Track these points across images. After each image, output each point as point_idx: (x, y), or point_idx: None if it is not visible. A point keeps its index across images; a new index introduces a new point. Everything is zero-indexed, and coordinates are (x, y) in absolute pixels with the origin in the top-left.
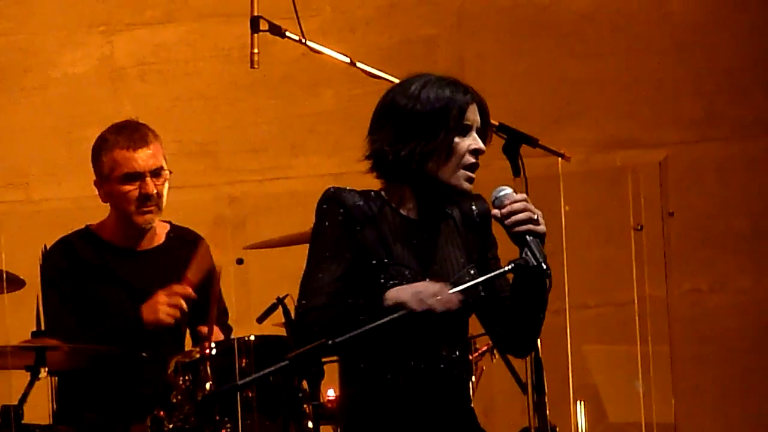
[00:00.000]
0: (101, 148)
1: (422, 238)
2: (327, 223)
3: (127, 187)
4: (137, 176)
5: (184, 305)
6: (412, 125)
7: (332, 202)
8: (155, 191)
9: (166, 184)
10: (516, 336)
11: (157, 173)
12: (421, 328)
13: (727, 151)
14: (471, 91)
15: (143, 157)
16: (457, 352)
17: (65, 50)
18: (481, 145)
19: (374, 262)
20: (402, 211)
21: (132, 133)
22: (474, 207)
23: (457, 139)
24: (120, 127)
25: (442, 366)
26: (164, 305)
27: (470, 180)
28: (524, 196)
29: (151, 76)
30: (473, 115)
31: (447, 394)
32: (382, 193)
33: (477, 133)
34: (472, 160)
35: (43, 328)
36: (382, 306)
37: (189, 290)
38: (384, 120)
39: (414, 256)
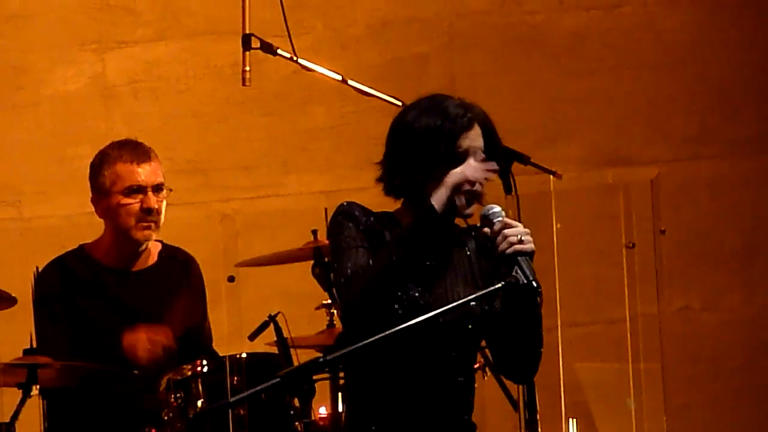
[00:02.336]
0: (102, 161)
1: (430, 267)
2: (345, 226)
3: (129, 201)
4: (140, 190)
5: (161, 353)
6: (405, 156)
7: (347, 214)
8: (156, 206)
9: (164, 203)
10: (513, 358)
11: (158, 189)
12: (425, 352)
13: (719, 169)
14: (474, 115)
15: (146, 172)
16: (462, 378)
17: (57, 68)
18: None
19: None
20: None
21: (135, 148)
22: None
23: (450, 168)
24: (122, 143)
25: (445, 391)
26: (144, 344)
27: (470, 202)
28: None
29: (143, 93)
30: (470, 141)
31: (450, 416)
32: (394, 214)
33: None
34: (467, 188)
35: (35, 345)
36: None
37: (171, 343)
38: (387, 146)
39: (421, 283)
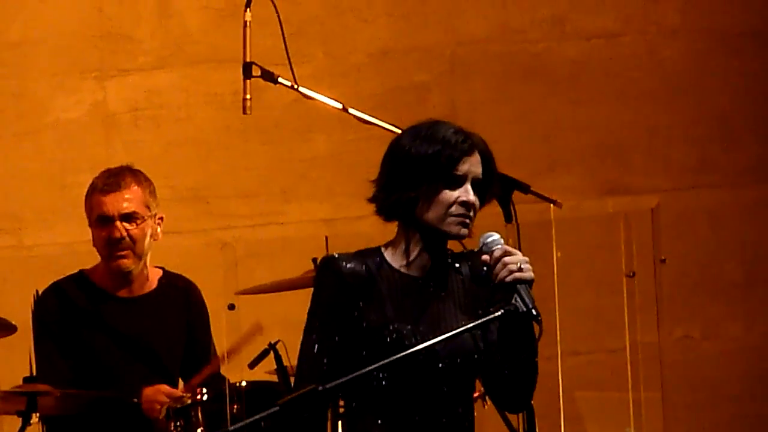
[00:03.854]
0: (87, 193)
1: (423, 297)
2: (323, 294)
3: (99, 231)
4: (107, 219)
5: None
6: (402, 172)
7: (328, 271)
8: (124, 235)
9: (149, 230)
10: (508, 387)
11: (128, 217)
12: (421, 382)
13: (719, 198)
14: (474, 141)
15: (112, 201)
16: (461, 409)
17: (58, 95)
18: (470, 197)
19: (374, 325)
20: (402, 269)
21: (108, 177)
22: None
23: (445, 190)
24: (106, 171)
25: (444, 421)
26: (164, 401)
27: (463, 224)
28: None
29: (144, 121)
30: (469, 166)
31: None
32: (381, 249)
33: (475, 184)
34: (461, 210)
35: (35, 373)
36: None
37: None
38: (383, 164)
39: (413, 315)
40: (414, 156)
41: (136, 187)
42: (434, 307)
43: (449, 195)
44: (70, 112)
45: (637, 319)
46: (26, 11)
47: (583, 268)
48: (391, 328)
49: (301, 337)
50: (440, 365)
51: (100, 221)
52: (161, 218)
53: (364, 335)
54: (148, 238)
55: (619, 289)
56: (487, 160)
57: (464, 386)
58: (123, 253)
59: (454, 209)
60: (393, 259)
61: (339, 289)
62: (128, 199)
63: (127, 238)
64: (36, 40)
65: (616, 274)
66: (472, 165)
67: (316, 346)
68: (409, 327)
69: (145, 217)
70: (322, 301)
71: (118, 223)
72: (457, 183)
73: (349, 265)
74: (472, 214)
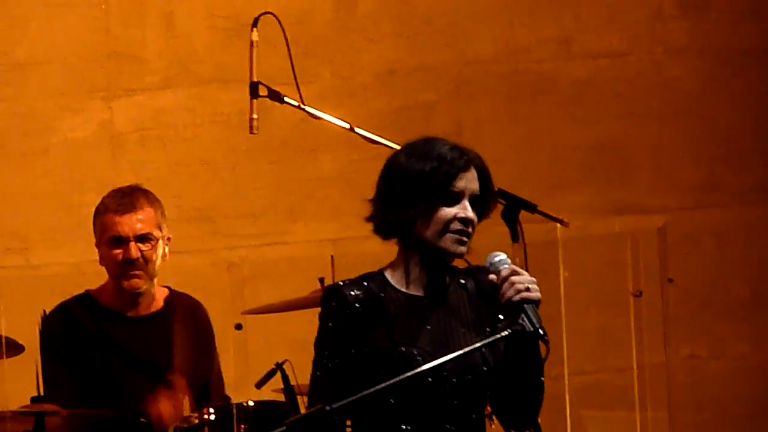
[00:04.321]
0: (97, 211)
1: (428, 313)
2: (329, 327)
3: (113, 251)
4: (121, 240)
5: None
6: (399, 191)
7: (332, 300)
8: (138, 256)
9: (160, 250)
10: (514, 406)
11: (143, 238)
12: (430, 401)
13: (726, 218)
14: (470, 157)
15: (128, 222)
16: (470, 427)
17: (65, 115)
18: (468, 213)
19: (382, 349)
20: (405, 290)
21: (122, 197)
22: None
23: (442, 207)
24: (116, 191)
25: None
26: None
27: (461, 242)
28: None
29: (151, 141)
30: (466, 182)
31: None
32: (384, 271)
33: (473, 200)
34: (459, 227)
35: (42, 393)
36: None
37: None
38: (380, 183)
39: (420, 334)
40: (410, 174)
41: (149, 208)
42: (440, 325)
43: (447, 212)
44: (76, 131)
45: (643, 338)
46: (33, 31)
47: (590, 287)
48: (399, 350)
49: (311, 369)
50: (449, 383)
51: (114, 241)
52: (169, 238)
53: (373, 359)
54: (159, 259)
55: (626, 308)
56: (484, 176)
57: (474, 403)
58: (137, 273)
59: (452, 226)
60: (395, 280)
61: (345, 317)
62: (142, 220)
63: (141, 259)
64: (43, 60)
65: (623, 293)
66: (469, 181)
67: (327, 376)
68: (417, 347)
69: (158, 238)
70: (329, 331)
71: (132, 243)
72: (454, 200)
73: (352, 292)
74: (470, 230)
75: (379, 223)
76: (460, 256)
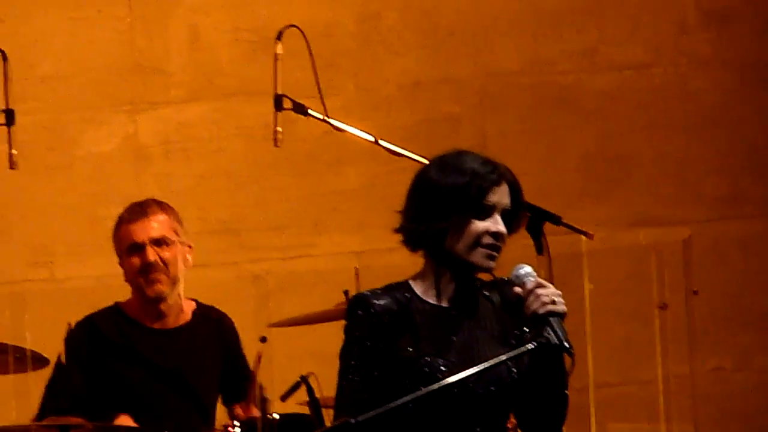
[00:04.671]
0: (115, 228)
1: (455, 327)
2: (355, 333)
3: (132, 260)
4: (138, 247)
5: None
6: (431, 203)
7: (358, 309)
8: (156, 258)
9: (180, 255)
10: (539, 419)
11: (158, 242)
12: (456, 412)
13: (751, 229)
14: (502, 172)
15: (141, 228)
16: None
17: (89, 129)
18: (500, 228)
19: (407, 358)
20: (432, 300)
21: (134, 207)
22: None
23: (474, 221)
24: (131, 205)
25: None
26: None
27: (491, 257)
28: (542, 281)
29: (175, 154)
30: (498, 197)
31: None
32: (410, 282)
33: (504, 214)
34: (491, 241)
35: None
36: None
37: None
38: (411, 195)
39: (446, 347)
40: (443, 186)
41: (162, 214)
42: (466, 337)
43: (479, 225)
44: (101, 145)
45: (668, 350)
46: (58, 45)
47: (615, 299)
48: (424, 360)
49: (337, 380)
50: (474, 394)
51: (132, 249)
52: (190, 246)
53: (399, 370)
54: (180, 263)
55: (651, 320)
56: (515, 191)
57: (498, 415)
58: (157, 276)
59: (483, 240)
60: (421, 290)
61: (371, 326)
62: (155, 224)
63: (160, 262)
64: (67, 73)
65: (648, 305)
66: (501, 195)
67: (353, 386)
68: (442, 358)
69: (175, 241)
70: (355, 341)
71: (149, 247)
72: (486, 213)
73: (379, 302)
74: (501, 244)
75: (410, 234)
76: (489, 270)
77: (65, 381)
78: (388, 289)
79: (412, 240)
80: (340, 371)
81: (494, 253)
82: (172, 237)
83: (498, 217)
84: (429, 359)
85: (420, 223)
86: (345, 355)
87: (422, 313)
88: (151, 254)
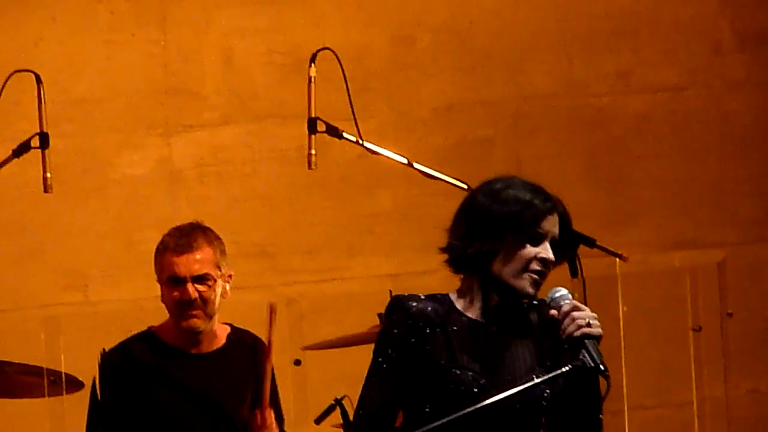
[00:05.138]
0: (157, 250)
1: (490, 342)
2: (389, 334)
3: (171, 292)
4: (179, 281)
5: None
6: (484, 224)
7: (396, 310)
8: (196, 297)
9: (219, 289)
10: None
11: (200, 279)
12: (486, 428)
13: None
14: (554, 201)
15: (185, 263)
16: None
17: (124, 152)
18: (549, 255)
19: (438, 366)
20: (470, 315)
21: (180, 237)
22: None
23: (527, 245)
24: (176, 229)
25: None
26: None
27: (536, 284)
28: (578, 304)
29: (209, 177)
30: (550, 225)
31: None
32: (450, 295)
33: (552, 243)
34: (538, 267)
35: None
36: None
37: None
38: (461, 215)
39: (479, 361)
40: (498, 210)
41: (207, 248)
42: (501, 354)
43: (530, 251)
44: (135, 168)
45: (703, 373)
46: (92, 68)
47: (650, 322)
48: (454, 372)
49: (366, 376)
50: (506, 410)
51: (172, 281)
52: (230, 275)
53: (429, 375)
54: (218, 298)
55: (686, 343)
56: (565, 222)
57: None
58: (194, 312)
59: (532, 266)
60: (461, 306)
61: (407, 327)
62: (200, 260)
63: (199, 300)
64: (102, 97)
65: (683, 328)
66: (552, 224)
67: (381, 381)
68: (474, 372)
69: (216, 278)
70: (389, 338)
71: (189, 285)
72: (538, 240)
73: (417, 305)
74: (547, 271)
75: (458, 254)
76: (532, 297)
77: (104, 411)
78: (429, 297)
79: (459, 260)
80: (370, 366)
81: (539, 280)
82: (215, 273)
83: (547, 245)
84: (459, 372)
85: (471, 243)
86: (377, 350)
87: (458, 325)
88: (192, 292)
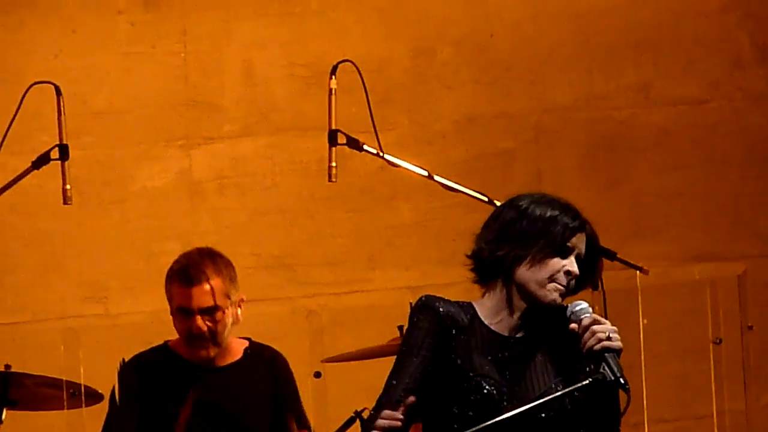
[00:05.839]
0: (167, 275)
1: (510, 353)
2: (418, 327)
3: (179, 321)
4: (188, 312)
5: None
6: (515, 231)
7: (425, 309)
8: (204, 330)
9: (229, 319)
10: None
11: (209, 311)
12: None
13: None
14: (582, 219)
15: (193, 295)
16: None
17: (143, 164)
18: (575, 269)
19: (458, 371)
20: (492, 325)
21: (189, 267)
22: None
23: (556, 256)
24: (185, 256)
25: None
26: None
27: (561, 293)
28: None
29: (229, 189)
30: (578, 242)
31: None
32: (474, 304)
33: (577, 260)
34: (564, 280)
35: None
36: None
37: None
38: (491, 223)
39: (499, 371)
40: (534, 218)
41: (216, 279)
42: (521, 365)
43: (558, 263)
44: (155, 180)
45: (724, 385)
46: (112, 80)
47: (670, 335)
48: (476, 379)
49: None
50: (525, 419)
51: (181, 312)
52: (242, 300)
53: (451, 378)
54: (228, 327)
55: (706, 355)
56: (592, 242)
57: None
58: (203, 344)
59: (557, 276)
60: (484, 314)
61: (435, 325)
62: (208, 292)
63: (207, 333)
64: (122, 109)
65: (703, 340)
66: (580, 241)
67: (402, 368)
68: (494, 381)
69: (226, 308)
70: (417, 330)
71: (198, 318)
72: (566, 253)
73: (445, 308)
74: (571, 286)
75: (487, 255)
76: (555, 304)
77: (120, 420)
78: (454, 303)
79: (487, 263)
80: (399, 354)
81: (564, 291)
82: (224, 304)
83: (573, 260)
84: (480, 379)
85: (499, 249)
86: (403, 346)
87: (480, 335)
88: (201, 325)
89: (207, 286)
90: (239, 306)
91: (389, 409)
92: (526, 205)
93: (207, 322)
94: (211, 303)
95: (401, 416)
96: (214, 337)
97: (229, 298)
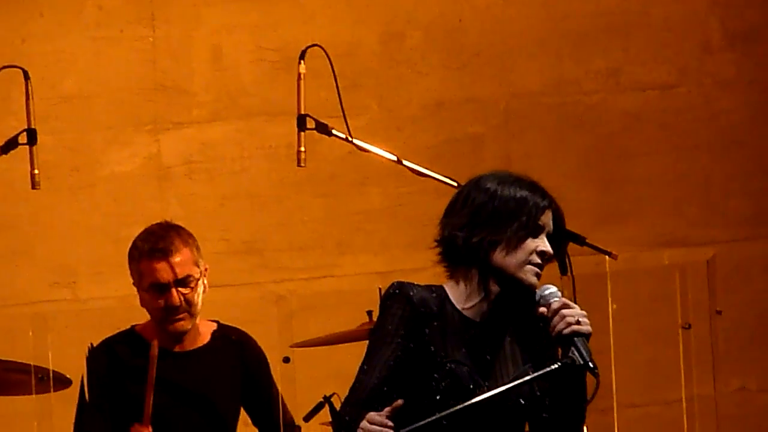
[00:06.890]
0: (131, 255)
1: (482, 338)
2: (388, 319)
3: (153, 297)
4: (162, 287)
5: None
6: (487, 215)
7: (398, 296)
8: (181, 301)
9: (200, 288)
10: None
11: (183, 282)
12: (473, 421)
13: None
14: (549, 197)
15: (166, 268)
16: None
17: (112, 149)
18: (548, 248)
19: (431, 358)
20: (464, 311)
21: (156, 241)
22: None
23: (529, 238)
24: (148, 233)
25: None
26: None
27: (537, 276)
28: (568, 301)
29: (198, 174)
30: (547, 219)
31: None
32: (445, 287)
33: (547, 237)
34: (539, 260)
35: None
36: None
37: None
38: (459, 207)
39: (471, 356)
40: (504, 201)
41: (184, 249)
42: (493, 351)
43: (532, 243)
44: (124, 165)
45: (692, 371)
46: (80, 65)
47: (639, 320)
48: (447, 366)
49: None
50: (494, 405)
51: (155, 288)
52: (206, 268)
53: (423, 362)
54: (201, 296)
55: (675, 341)
56: (558, 218)
57: (514, 427)
58: (180, 316)
59: (532, 258)
60: (456, 298)
61: (408, 312)
62: (180, 263)
63: (184, 303)
64: (90, 93)
65: (672, 325)
66: (549, 219)
67: (375, 359)
68: (465, 368)
69: (197, 278)
70: (389, 317)
71: (174, 290)
72: (538, 233)
73: (417, 294)
74: (544, 264)
75: (461, 243)
76: (533, 288)
77: (92, 407)
78: (426, 287)
79: (460, 250)
80: (367, 348)
81: (539, 272)
82: (195, 273)
83: (545, 238)
84: (454, 366)
85: (473, 234)
86: (374, 332)
87: (451, 321)
88: (177, 297)
89: (178, 258)
90: (205, 275)
91: (365, 405)
92: (495, 187)
93: (182, 293)
94: (186, 273)
95: (391, 423)
96: (190, 308)
97: (198, 267)
